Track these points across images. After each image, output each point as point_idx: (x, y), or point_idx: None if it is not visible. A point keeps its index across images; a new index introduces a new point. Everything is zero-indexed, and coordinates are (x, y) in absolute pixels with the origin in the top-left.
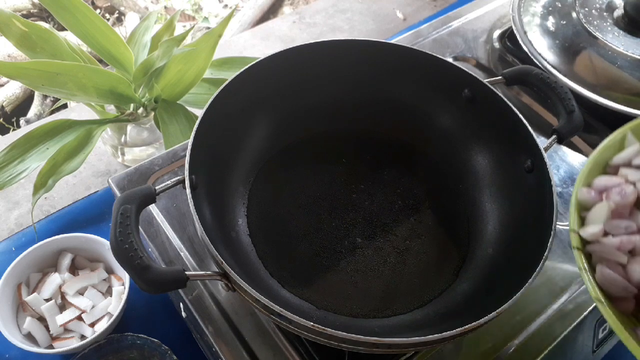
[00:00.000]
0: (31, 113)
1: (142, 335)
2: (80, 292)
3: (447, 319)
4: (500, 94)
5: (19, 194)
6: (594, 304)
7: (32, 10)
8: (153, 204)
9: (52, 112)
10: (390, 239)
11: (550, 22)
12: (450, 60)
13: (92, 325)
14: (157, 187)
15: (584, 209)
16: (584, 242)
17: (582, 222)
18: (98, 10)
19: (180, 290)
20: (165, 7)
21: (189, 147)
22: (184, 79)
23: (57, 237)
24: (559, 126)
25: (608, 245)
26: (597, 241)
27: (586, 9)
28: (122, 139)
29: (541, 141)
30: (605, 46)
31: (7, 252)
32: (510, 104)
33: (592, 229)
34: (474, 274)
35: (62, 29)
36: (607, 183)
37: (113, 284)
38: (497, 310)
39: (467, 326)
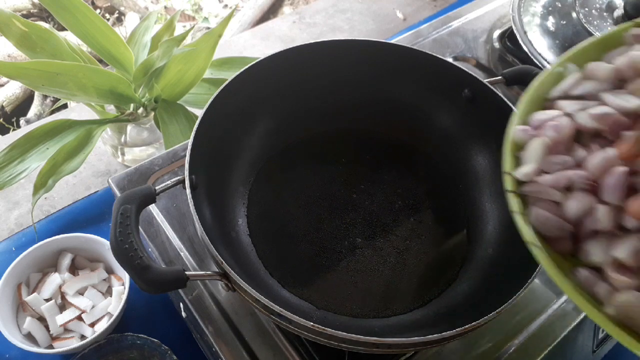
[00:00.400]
0: (31, 113)
1: (142, 335)
2: (80, 292)
3: (447, 319)
4: (500, 94)
5: (19, 194)
6: None
7: (32, 10)
8: (153, 204)
9: (52, 112)
10: (390, 239)
11: (550, 22)
12: (450, 60)
13: (92, 325)
14: (157, 187)
15: (520, 150)
16: (520, 184)
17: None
18: (98, 10)
19: (180, 290)
20: (165, 7)
21: (189, 147)
22: (184, 79)
23: (57, 237)
24: None
25: (542, 183)
26: (532, 181)
27: (586, 9)
28: (122, 139)
29: None
30: None
31: (7, 252)
32: (510, 104)
33: (525, 169)
34: (474, 274)
35: (62, 29)
36: (543, 118)
37: (113, 284)
38: (497, 310)
39: (467, 326)
